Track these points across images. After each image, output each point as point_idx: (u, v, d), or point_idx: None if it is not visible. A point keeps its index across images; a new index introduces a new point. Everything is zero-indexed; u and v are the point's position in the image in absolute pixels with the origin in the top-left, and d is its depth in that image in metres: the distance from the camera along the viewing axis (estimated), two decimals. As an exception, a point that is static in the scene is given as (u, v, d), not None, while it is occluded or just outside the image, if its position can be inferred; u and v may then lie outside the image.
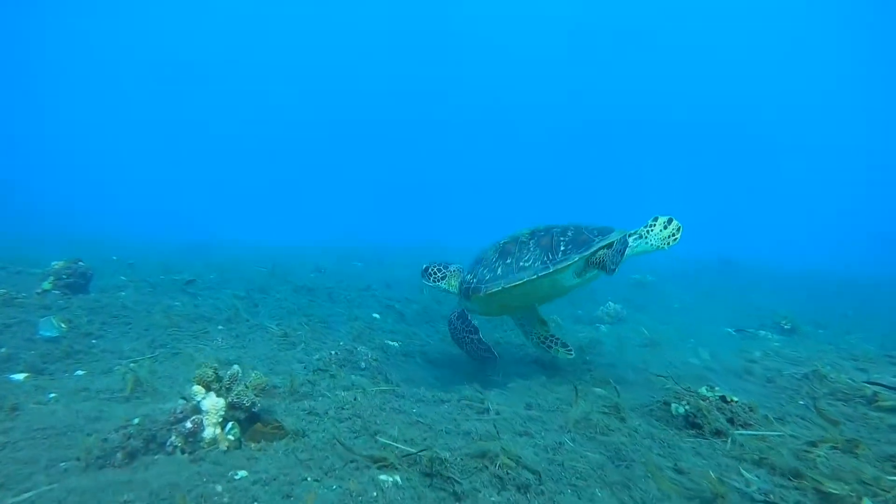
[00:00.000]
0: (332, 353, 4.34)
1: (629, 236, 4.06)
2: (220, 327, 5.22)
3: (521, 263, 4.03)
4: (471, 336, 4.28)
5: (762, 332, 7.89)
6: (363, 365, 4.27)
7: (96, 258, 10.56)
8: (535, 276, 3.92)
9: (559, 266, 3.88)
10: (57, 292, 5.75)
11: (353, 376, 3.77)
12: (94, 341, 4.37)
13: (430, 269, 4.89)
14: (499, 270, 4.14)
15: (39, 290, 5.74)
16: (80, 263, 6.06)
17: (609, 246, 3.89)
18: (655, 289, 12.49)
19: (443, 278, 4.84)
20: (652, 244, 4.08)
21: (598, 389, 3.62)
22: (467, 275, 4.47)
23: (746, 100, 60.69)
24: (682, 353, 5.32)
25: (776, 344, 6.58)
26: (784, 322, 8.50)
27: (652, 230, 4.06)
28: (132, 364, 3.81)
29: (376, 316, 6.90)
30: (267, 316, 6.24)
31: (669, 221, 4.03)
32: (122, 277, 7.58)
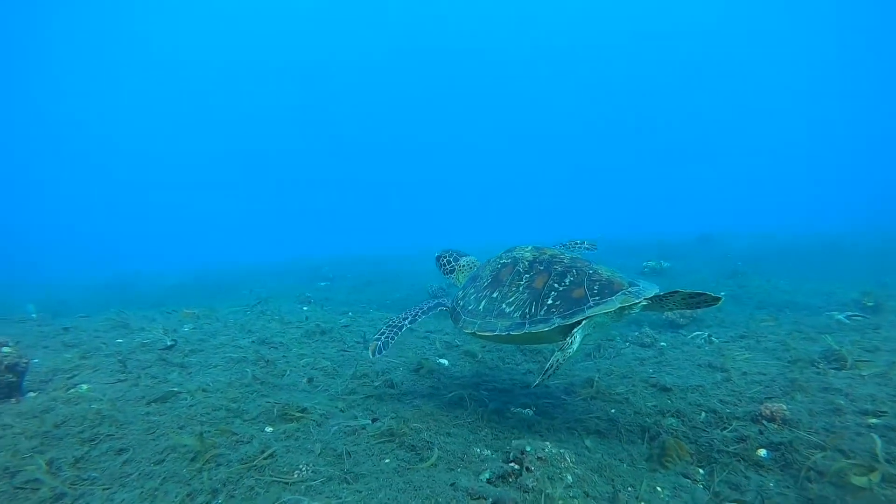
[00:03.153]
0: (516, 471, 2.60)
1: (637, 304, 3.01)
2: (268, 429, 3.29)
3: (503, 306, 3.29)
4: (396, 326, 3.67)
5: (846, 314, 6.96)
6: (570, 477, 2.56)
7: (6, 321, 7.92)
8: (506, 333, 3.13)
9: (534, 330, 3.04)
10: (-28, 405, 3.53)
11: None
12: (70, 511, 2.36)
13: (441, 259, 4.34)
14: (482, 304, 3.43)
15: (-60, 405, 3.50)
16: (6, 349, 3.83)
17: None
18: (681, 277, 11.51)
19: (451, 272, 4.27)
20: (665, 308, 3.15)
21: None
22: (461, 290, 3.84)
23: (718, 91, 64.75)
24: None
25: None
26: (866, 299, 7.66)
27: (672, 298, 3.01)
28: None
29: (444, 362, 5.15)
30: (307, 387, 4.34)
31: (694, 295, 2.88)
32: (68, 355, 5.24)
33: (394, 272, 15.79)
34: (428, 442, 3.02)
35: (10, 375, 3.71)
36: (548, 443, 2.74)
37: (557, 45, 69.38)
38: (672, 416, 3.60)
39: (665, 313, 6.97)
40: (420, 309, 3.79)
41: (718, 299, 2.81)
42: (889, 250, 13.99)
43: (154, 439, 3.05)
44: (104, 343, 5.78)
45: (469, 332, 3.36)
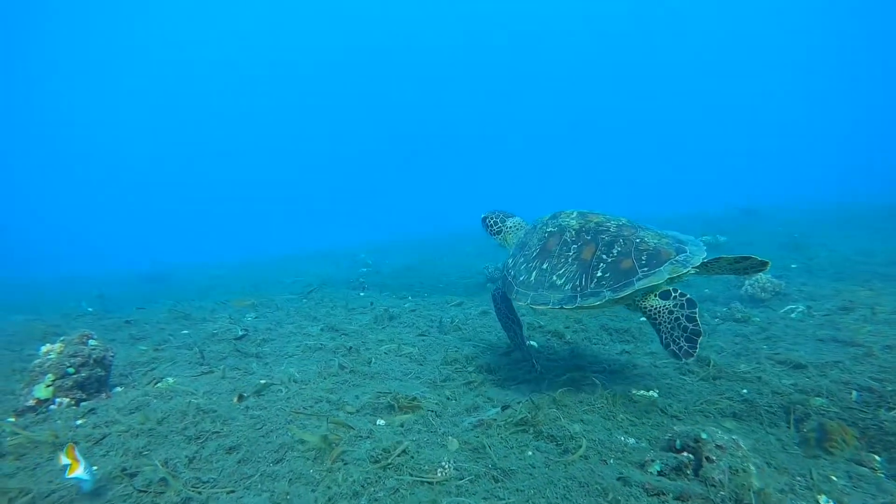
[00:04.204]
0: (692, 462, 2.28)
1: (686, 273, 2.99)
2: (380, 422, 3.04)
3: (554, 277, 3.27)
4: (513, 327, 3.80)
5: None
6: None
7: (55, 313, 7.89)
8: (559, 307, 3.15)
9: (585, 303, 3.05)
10: (64, 402, 3.35)
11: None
12: (199, 516, 2.13)
13: (487, 220, 4.25)
14: (533, 276, 3.41)
15: (31, 402, 3.32)
16: (93, 342, 3.64)
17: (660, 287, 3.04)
18: (740, 251, 10.92)
19: (498, 233, 4.20)
20: (712, 273, 3.22)
21: None
22: (510, 258, 3.82)
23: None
24: None
25: None
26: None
27: (717, 263, 3.05)
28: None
29: (534, 344, 4.85)
30: (398, 375, 4.08)
31: (741, 260, 2.96)
32: (142, 347, 5.09)
33: (431, 256, 15.48)
34: (567, 430, 2.72)
35: (100, 369, 3.53)
36: (717, 429, 2.41)
37: (588, 16, 67.76)
38: (818, 395, 3.23)
39: (744, 288, 6.57)
40: (513, 317, 3.86)
41: (766, 264, 2.84)
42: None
43: (264, 436, 2.81)
44: (171, 335, 5.62)
45: (523, 304, 3.37)
